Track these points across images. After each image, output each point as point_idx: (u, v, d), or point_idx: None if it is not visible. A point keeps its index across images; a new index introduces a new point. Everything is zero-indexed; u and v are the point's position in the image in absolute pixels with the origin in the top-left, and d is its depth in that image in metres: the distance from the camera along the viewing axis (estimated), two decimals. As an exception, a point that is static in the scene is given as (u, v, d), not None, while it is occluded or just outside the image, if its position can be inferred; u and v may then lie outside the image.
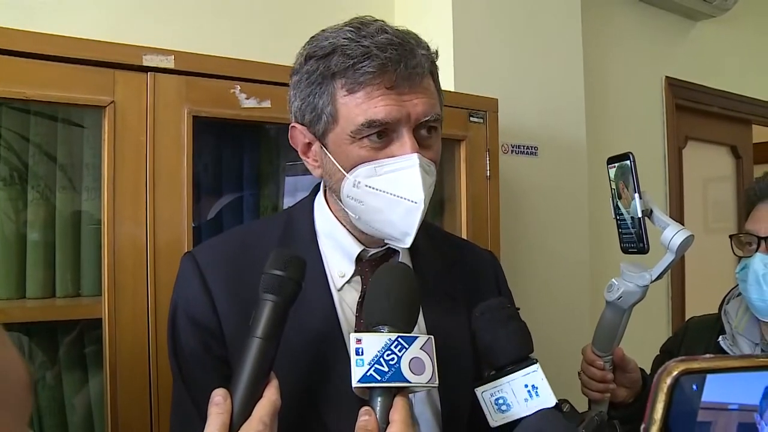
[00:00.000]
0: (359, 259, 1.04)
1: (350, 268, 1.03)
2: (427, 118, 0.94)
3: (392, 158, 0.93)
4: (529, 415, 0.84)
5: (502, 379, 0.88)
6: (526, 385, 0.86)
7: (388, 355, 0.79)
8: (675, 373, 0.48)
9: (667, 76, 3.15)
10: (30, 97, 1.18)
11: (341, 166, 0.96)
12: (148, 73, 1.28)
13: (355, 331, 0.82)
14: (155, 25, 1.71)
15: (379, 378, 0.78)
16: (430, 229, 1.23)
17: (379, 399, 0.79)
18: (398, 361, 0.79)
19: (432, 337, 0.84)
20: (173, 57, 1.30)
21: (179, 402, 1.01)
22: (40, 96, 1.18)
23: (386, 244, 1.05)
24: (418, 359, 0.81)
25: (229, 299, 0.98)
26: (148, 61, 1.27)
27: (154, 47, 1.28)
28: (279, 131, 1.65)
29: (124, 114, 1.25)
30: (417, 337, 0.82)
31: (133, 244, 1.25)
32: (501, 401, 0.87)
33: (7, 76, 1.15)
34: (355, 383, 0.78)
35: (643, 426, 0.50)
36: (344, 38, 0.93)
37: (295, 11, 1.96)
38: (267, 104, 1.40)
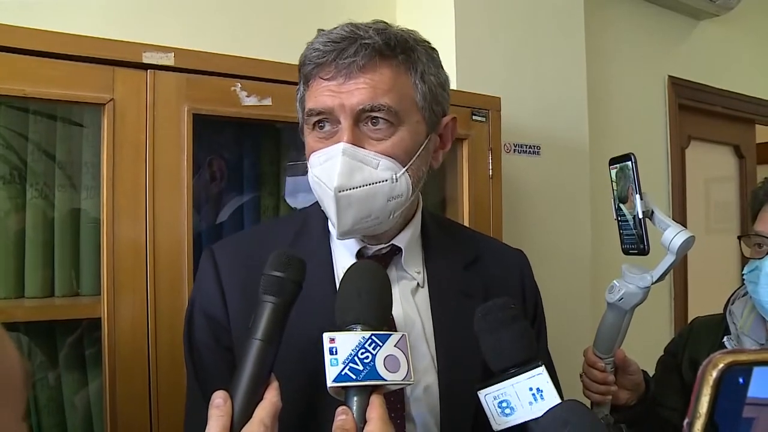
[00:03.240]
0: (361, 256, 1.04)
1: None
2: (362, 107, 0.93)
3: (328, 148, 0.96)
4: (554, 407, 0.82)
5: (506, 382, 0.85)
6: (531, 389, 0.84)
7: (362, 354, 0.79)
8: (721, 365, 0.46)
9: (670, 76, 3.14)
10: (29, 95, 1.17)
11: (306, 156, 1.01)
12: (148, 70, 1.27)
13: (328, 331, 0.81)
14: (155, 22, 1.70)
15: (354, 377, 0.77)
16: (450, 226, 1.22)
17: (355, 398, 0.78)
18: (373, 360, 0.79)
19: (405, 334, 0.83)
20: (173, 54, 1.29)
21: (192, 395, 1.02)
22: (40, 93, 1.18)
23: (389, 240, 1.05)
24: (393, 357, 0.80)
25: (241, 297, 1.00)
26: (148, 58, 1.26)
27: (154, 44, 1.27)
28: (280, 130, 1.64)
29: (123, 112, 1.24)
30: (390, 335, 0.81)
31: (132, 243, 1.24)
32: (504, 404, 0.85)
33: (6, 73, 1.14)
34: (330, 383, 0.77)
35: (686, 420, 0.48)
36: (315, 37, 0.98)
37: (296, 9, 1.95)
38: (268, 102, 1.39)
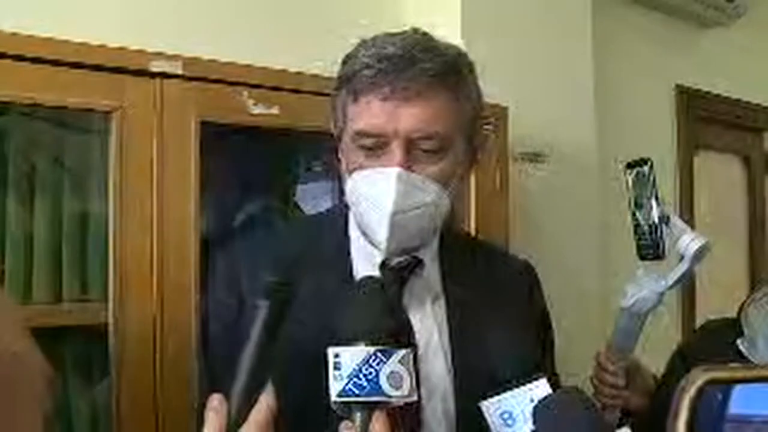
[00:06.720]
0: (384, 266, 1.04)
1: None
2: (418, 135, 0.94)
3: (378, 168, 0.96)
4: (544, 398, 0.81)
5: (507, 393, 0.86)
6: (533, 399, 0.84)
7: (366, 369, 0.78)
8: (699, 382, 0.45)
9: (677, 84, 3.13)
10: (38, 102, 1.18)
11: (347, 169, 1.02)
12: (156, 78, 1.28)
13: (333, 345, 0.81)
14: (163, 31, 1.70)
15: (357, 392, 0.77)
16: (461, 236, 1.23)
17: (358, 414, 0.78)
18: (377, 375, 0.78)
19: (410, 350, 0.83)
20: (181, 62, 1.29)
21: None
22: (48, 101, 1.19)
23: (411, 252, 1.05)
24: (397, 373, 0.79)
25: None
26: (156, 66, 1.27)
27: (162, 53, 1.28)
28: (289, 138, 1.64)
29: (131, 119, 1.25)
30: (395, 351, 0.81)
31: (139, 250, 1.25)
32: (506, 416, 0.85)
33: (15, 80, 1.15)
34: (333, 398, 0.77)
35: None
36: (359, 47, 0.98)
37: (304, 17, 1.95)
38: (275, 111, 1.40)
